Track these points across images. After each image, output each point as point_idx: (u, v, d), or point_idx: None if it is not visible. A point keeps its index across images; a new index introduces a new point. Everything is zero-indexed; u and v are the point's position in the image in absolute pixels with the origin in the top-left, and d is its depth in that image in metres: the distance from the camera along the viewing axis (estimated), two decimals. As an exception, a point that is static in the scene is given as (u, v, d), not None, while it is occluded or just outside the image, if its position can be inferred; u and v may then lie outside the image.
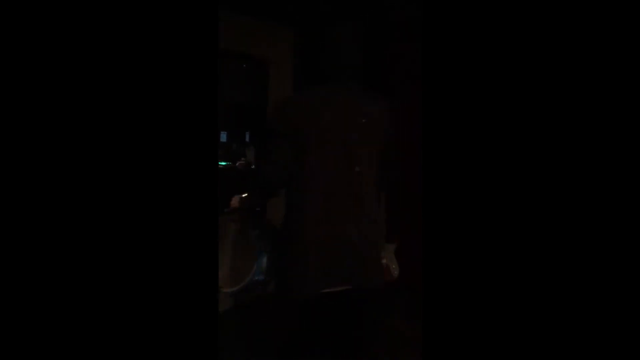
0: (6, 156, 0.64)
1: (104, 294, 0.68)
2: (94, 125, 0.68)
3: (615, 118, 0.67)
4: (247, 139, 4.06)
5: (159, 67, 0.71)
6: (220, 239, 1.39)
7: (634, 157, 0.66)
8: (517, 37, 0.72)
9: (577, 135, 0.68)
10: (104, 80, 0.68)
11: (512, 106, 0.72)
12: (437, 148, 0.78)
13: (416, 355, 1.73)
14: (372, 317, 1.35)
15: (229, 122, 3.99)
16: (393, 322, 2.51)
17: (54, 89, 0.66)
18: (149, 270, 0.70)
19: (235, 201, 1.39)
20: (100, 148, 0.68)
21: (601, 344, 0.67)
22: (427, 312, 0.79)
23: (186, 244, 0.72)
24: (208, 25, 0.74)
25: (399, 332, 2.37)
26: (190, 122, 0.73)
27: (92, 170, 0.68)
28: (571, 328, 0.68)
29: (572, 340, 0.68)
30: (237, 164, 3.19)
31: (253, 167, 3.07)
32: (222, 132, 3.99)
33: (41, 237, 0.65)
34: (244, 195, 1.39)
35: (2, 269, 0.63)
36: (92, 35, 0.67)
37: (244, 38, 3.01)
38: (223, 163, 3.34)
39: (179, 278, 0.72)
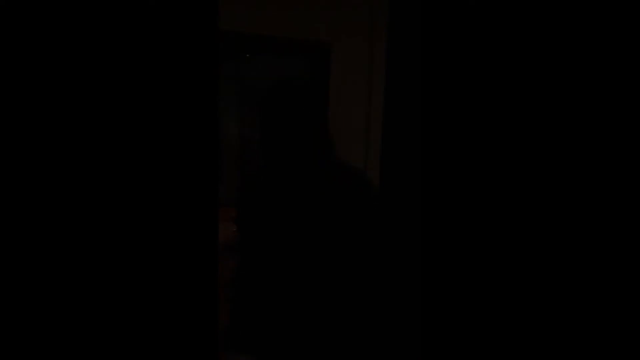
0: (4, 156, 0.63)
1: (101, 295, 0.68)
2: (90, 123, 0.67)
3: (617, 118, 0.67)
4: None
5: (156, 62, 0.71)
6: None
7: (635, 157, 0.66)
8: (518, 36, 0.72)
9: (575, 135, 0.68)
10: (101, 78, 0.68)
11: (512, 105, 0.72)
12: (438, 148, 0.78)
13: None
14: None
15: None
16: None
17: (51, 88, 0.66)
18: (147, 272, 0.70)
19: None
20: (98, 147, 0.68)
21: (601, 343, 0.67)
22: (427, 311, 0.79)
23: (186, 245, 0.72)
24: (208, 20, 0.73)
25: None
26: (189, 121, 0.72)
27: (91, 171, 0.67)
28: (571, 334, 0.68)
29: (572, 345, 0.68)
30: None
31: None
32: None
33: (37, 239, 0.65)
34: None
35: None
36: (88, 32, 0.67)
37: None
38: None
39: (178, 280, 0.72)
